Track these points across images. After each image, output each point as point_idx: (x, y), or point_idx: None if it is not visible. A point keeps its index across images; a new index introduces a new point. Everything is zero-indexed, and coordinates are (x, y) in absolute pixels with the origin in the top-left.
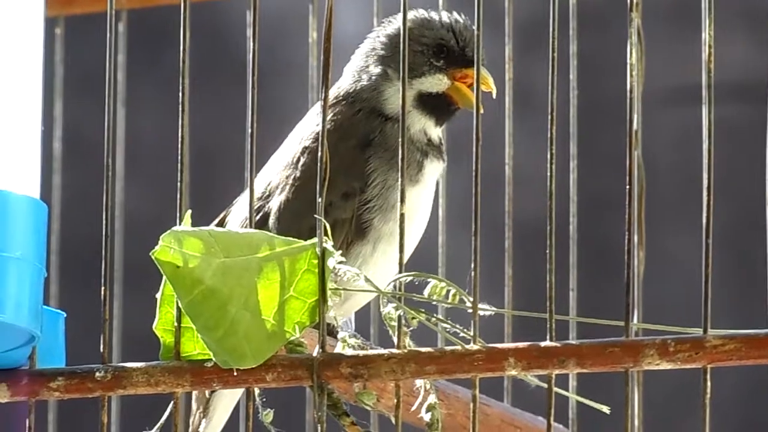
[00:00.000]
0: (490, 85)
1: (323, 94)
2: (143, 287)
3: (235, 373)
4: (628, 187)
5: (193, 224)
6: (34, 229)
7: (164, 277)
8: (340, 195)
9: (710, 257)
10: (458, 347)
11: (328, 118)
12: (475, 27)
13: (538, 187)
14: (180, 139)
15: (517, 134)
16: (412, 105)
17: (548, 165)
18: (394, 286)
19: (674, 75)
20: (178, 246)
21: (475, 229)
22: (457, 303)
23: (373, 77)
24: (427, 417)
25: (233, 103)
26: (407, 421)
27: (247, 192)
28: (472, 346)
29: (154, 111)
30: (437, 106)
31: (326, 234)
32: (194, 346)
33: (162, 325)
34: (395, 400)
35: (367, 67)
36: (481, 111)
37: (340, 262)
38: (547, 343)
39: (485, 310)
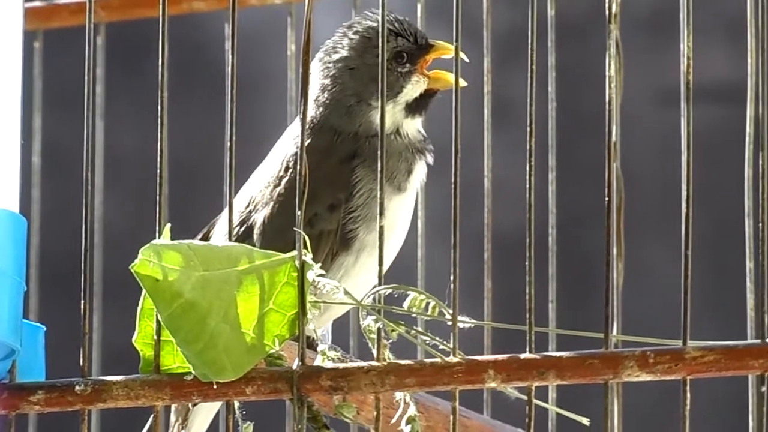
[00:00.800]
0: (449, 49)
1: (302, 107)
2: (123, 301)
3: (215, 386)
4: (607, 198)
5: (173, 237)
6: (13, 243)
7: (144, 291)
8: (326, 207)
9: (689, 268)
10: (438, 359)
11: (310, 141)
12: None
13: (517, 199)
14: (159, 152)
15: (495, 146)
16: (403, 116)
17: (527, 177)
18: (374, 299)
19: (652, 85)
20: (158, 259)
21: (454, 241)
22: (436, 315)
23: (353, 109)
24: (407, 429)
25: (212, 116)
26: None
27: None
28: (452, 359)
29: (132, 124)
30: (421, 102)
31: (306, 247)
32: (174, 360)
33: (142, 339)
34: (375, 413)
35: (339, 100)
36: (464, 84)
37: (320, 275)
38: (526, 355)
39: (465, 322)
